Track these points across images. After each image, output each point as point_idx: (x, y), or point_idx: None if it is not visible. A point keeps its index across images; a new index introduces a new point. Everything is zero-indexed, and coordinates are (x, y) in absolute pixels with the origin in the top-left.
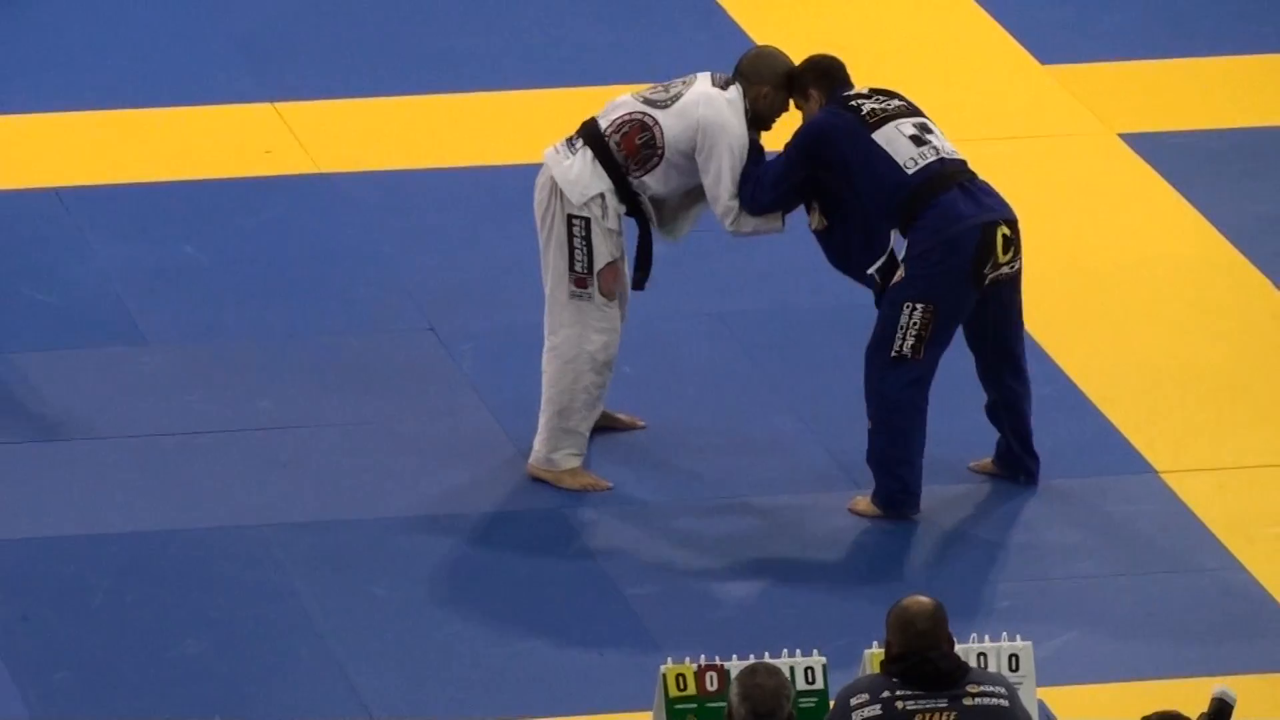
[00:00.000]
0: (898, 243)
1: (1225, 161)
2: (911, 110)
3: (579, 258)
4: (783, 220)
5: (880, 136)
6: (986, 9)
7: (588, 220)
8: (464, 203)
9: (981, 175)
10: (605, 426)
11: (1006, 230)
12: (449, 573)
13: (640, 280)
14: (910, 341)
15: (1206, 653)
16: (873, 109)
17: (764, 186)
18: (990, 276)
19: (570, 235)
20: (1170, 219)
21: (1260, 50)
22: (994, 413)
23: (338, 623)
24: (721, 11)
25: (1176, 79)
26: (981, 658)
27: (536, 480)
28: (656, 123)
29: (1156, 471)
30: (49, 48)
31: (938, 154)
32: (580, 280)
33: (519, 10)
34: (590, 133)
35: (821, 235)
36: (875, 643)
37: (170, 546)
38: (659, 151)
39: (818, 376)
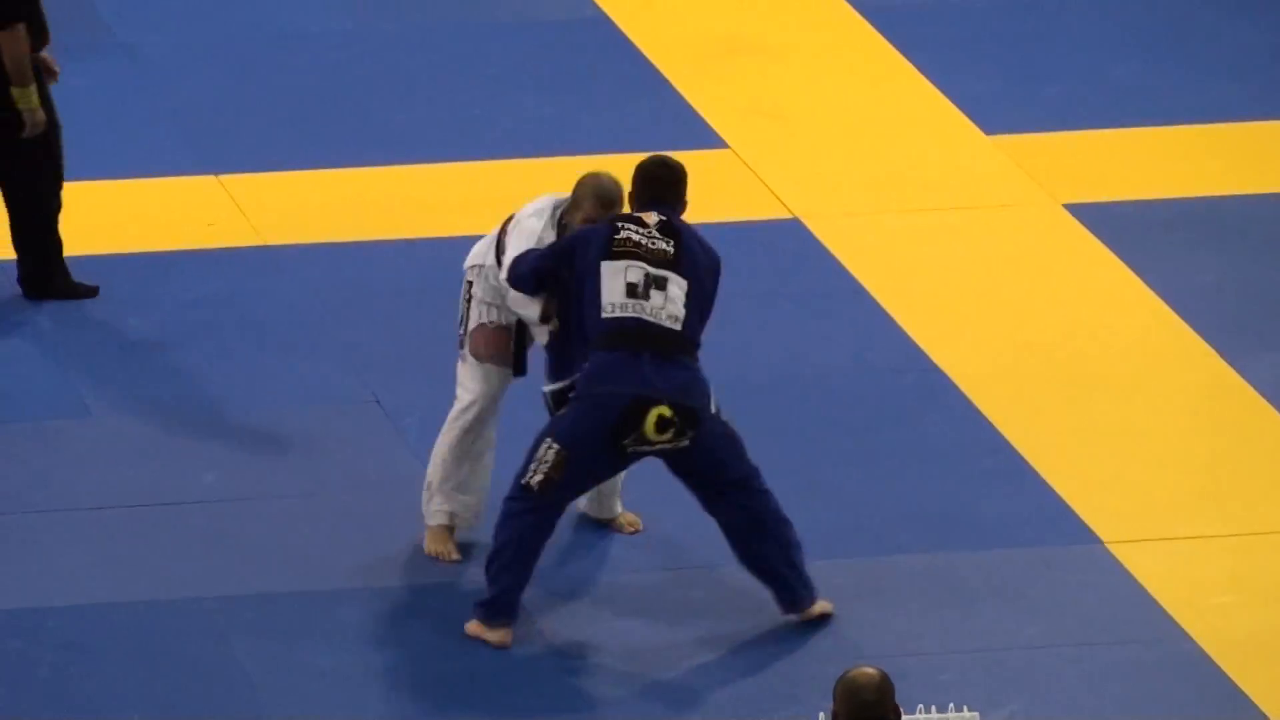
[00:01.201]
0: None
1: (1170, 231)
2: (665, 259)
3: (460, 315)
4: (541, 312)
5: (606, 268)
6: (931, 79)
7: (470, 284)
8: (408, 274)
9: (926, 246)
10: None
11: (666, 412)
12: (395, 645)
13: (518, 366)
14: (538, 477)
15: None
16: (628, 238)
17: (521, 264)
18: (638, 450)
19: (463, 294)
20: (1115, 289)
21: (1203, 120)
22: (744, 548)
23: (282, 696)
24: (666, 82)
25: (1120, 149)
26: None
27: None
28: (505, 228)
29: (1102, 542)
30: None
31: (642, 313)
32: (460, 339)
33: (463, 83)
34: (511, 215)
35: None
36: (822, 714)
37: (114, 620)
38: (494, 252)
39: (775, 448)
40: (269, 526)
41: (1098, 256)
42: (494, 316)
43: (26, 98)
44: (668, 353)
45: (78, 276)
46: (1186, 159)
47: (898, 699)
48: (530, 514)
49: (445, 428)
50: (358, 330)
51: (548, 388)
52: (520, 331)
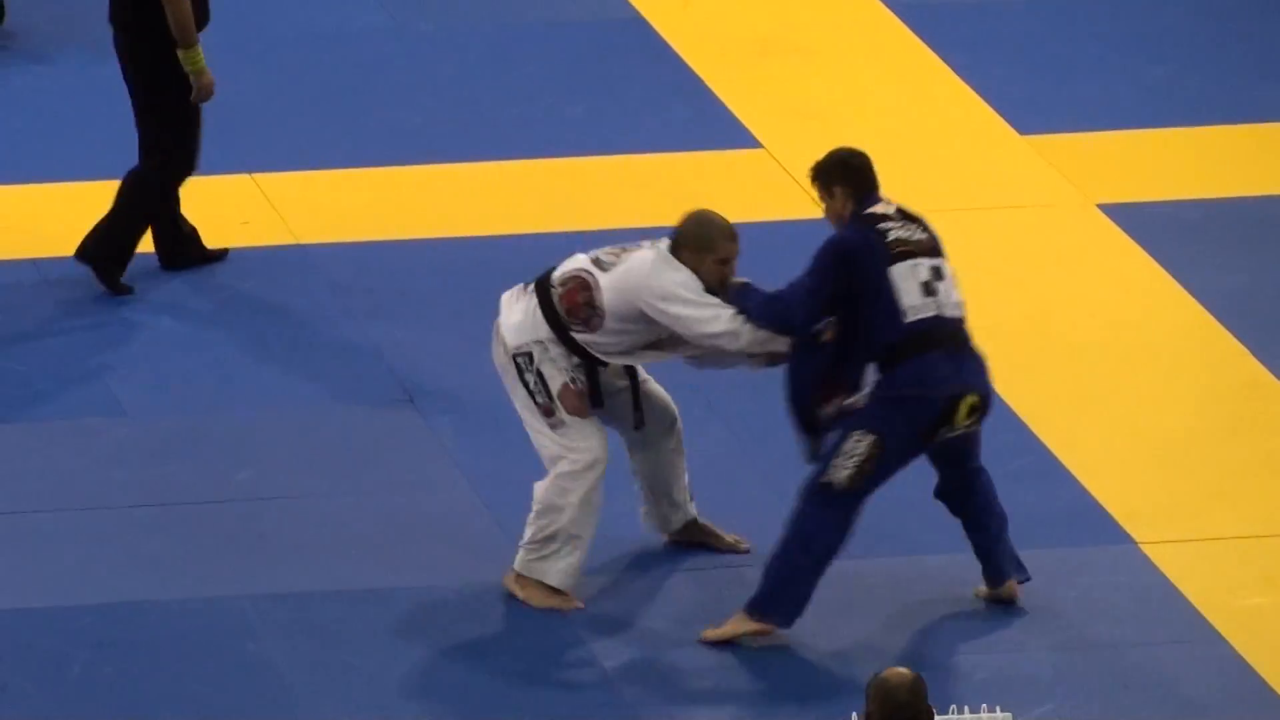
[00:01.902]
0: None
1: (1203, 231)
2: (932, 245)
3: (536, 390)
4: (789, 345)
5: (895, 272)
6: (965, 80)
7: (530, 354)
8: (441, 273)
9: (959, 245)
10: (702, 543)
11: (975, 401)
12: (427, 644)
13: (639, 420)
14: (846, 471)
15: None
16: (898, 237)
17: (794, 306)
18: (945, 437)
19: (521, 374)
20: (1149, 289)
21: (1238, 120)
22: (974, 524)
23: (316, 695)
24: (701, 83)
25: (1155, 149)
26: None
27: (511, 596)
28: (597, 285)
29: (1135, 543)
30: (30, 121)
31: (938, 309)
32: (547, 410)
33: (498, 83)
34: (540, 280)
35: (800, 355)
36: (855, 714)
37: (148, 618)
38: (599, 313)
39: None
40: (302, 525)
41: (1132, 256)
42: (568, 372)
43: (193, 59)
44: (964, 341)
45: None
46: (1221, 159)
47: (931, 700)
48: (833, 510)
49: (557, 493)
50: (391, 329)
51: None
52: (591, 371)
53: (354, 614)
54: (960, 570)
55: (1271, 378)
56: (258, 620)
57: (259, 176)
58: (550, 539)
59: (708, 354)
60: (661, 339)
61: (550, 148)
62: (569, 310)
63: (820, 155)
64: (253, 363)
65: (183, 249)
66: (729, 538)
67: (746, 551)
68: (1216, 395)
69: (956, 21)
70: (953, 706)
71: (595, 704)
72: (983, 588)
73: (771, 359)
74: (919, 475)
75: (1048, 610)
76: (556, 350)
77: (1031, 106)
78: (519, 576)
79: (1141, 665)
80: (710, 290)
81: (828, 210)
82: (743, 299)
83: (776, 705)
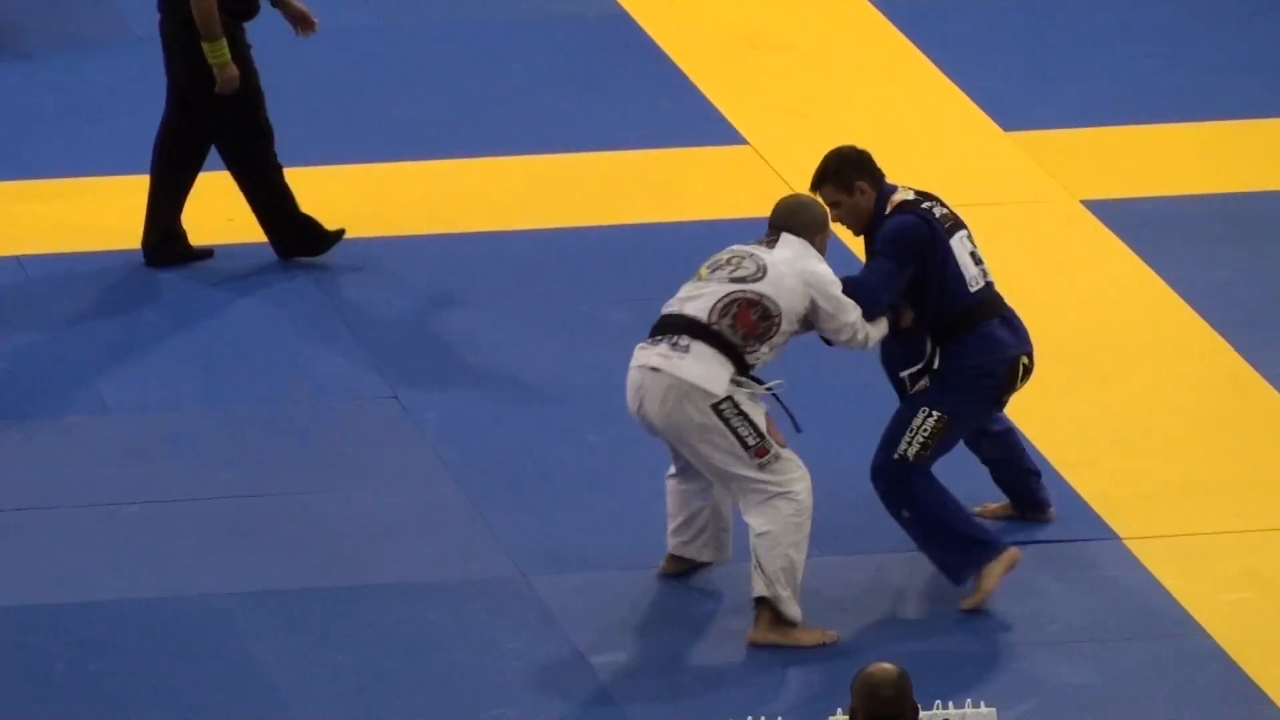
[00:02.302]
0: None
1: (1187, 227)
2: (959, 218)
3: (746, 434)
4: (903, 321)
5: (955, 247)
6: (950, 76)
7: (731, 397)
8: (426, 270)
9: None
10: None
11: (1027, 360)
12: (413, 641)
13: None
14: (915, 447)
15: (1169, 718)
16: (943, 214)
17: (877, 296)
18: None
19: (726, 422)
20: (1133, 285)
21: (1221, 117)
22: (1008, 479)
23: (302, 692)
24: (686, 79)
25: (1138, 145)
26: None
27: (771, 646)
28: (762, 295)
29: (1119, 538)
30: (9, 117)
31: (985, 277)
32: (760, 450)
33: (484, 79)
34: (693, 327)
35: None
36: (840, 710)
37: (132, 617)
38: (776, 320)
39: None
40: (288, 523)
41: (1115, 252)
42: (761, 405)
43: (215, 52)
44: (1005, 304)
45: (91, 273)
46: (1204, 155)
47: (915, 695)
48: (919, 477)
49: (793, 531)
50: (377, 326)
51: (906, 372)
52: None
53: (341, 611)
54: None
55: (1255, 373)
56: (244, 618)
57: None
58: (792, 577)
59: None
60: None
61: (536, 144)
62: (746, 334)
63: (807, 152)
64: (237, 360)
65: (169, 246)
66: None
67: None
68: (1200, 390)
69: (941, 18)
70: (937, 702)
71: (583, 703)
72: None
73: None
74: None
75: (1032, 606)
76: (743, 384)
77: (1016, 103)
78: (778, 626)
79: (1126, 659)
80: None
81: (845, 207)
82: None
83: (761, 701)
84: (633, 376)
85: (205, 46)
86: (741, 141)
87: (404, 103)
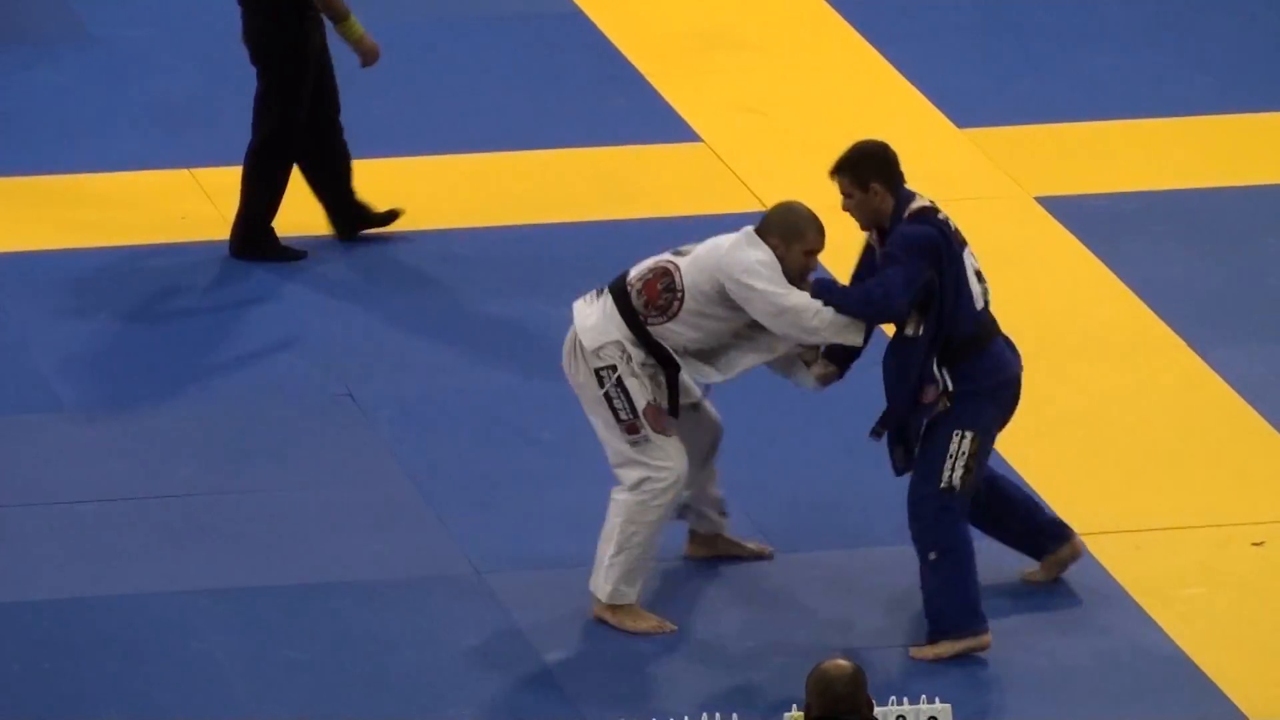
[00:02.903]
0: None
1: (1141, 223)
2: (963, 235)
3: (620, 406)
4: (864, 337)
5: (965, 259)
6: (904, 73)
7: (614, 367)
8: (381, 267)
9: None
10: (730, 555)
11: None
12: (368, 639)
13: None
14: (959, 471)
15: (1123, 713)
16: (955, 228)
17: (894, 293)
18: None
19: (603, 388)
20: (1086, 281)
21: (1175, 113)
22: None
23: (257, 690)
24: (641, 77)
25: (1092, 142)
26: None
27: (603, 622)
28: (678, 268)
29: (1075, 533)
30: None
31: (986, 296)
32: (631, 427)
33: (438, 77)
34: (615, 283)
35: (898, 351)
36: (795, 706)
37: (88, 615)
38: (679, 295)
39: (737, 445)
40: (243, 520)
41: (1069, 249)
42: (650, 390)
43: (350, 30)
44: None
45: (44, 272)
46: (1158, 152)
47: (870, 691)
48: (954, 511)
49: (639, 510)
50: (329, 323)
51: (928, 398)
52: (670, 379)
53: (295, 610)
54: (900, 562)
55: (1208, 370)
56: (198, 617)
57: (197, 171)
58: (629, 557)
59: (779, 358)
60: (738, 331)
61: (491, 142)
62: (648, 302)
63: (762, 150)
64: (191, 358)
65: (354, 215)
66: (752, 545)
67: (770, 557)
68: (1153, 387)
69: (895, 15)
70: (892, 698)
71: (538, 700)
72: (1035, 571)
73: (837, 371)
74: (862, 467)
75: (987, 601)
76: (637, 355)
77: (969, 100)
78: (610, 606)
79: (1080, 655)
80: (791, 280)
81: (856, 201)
82: (828, 291)
83: (716, 698)
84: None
85: (340, 29)
86: (696, 139)
87: (354, 102)
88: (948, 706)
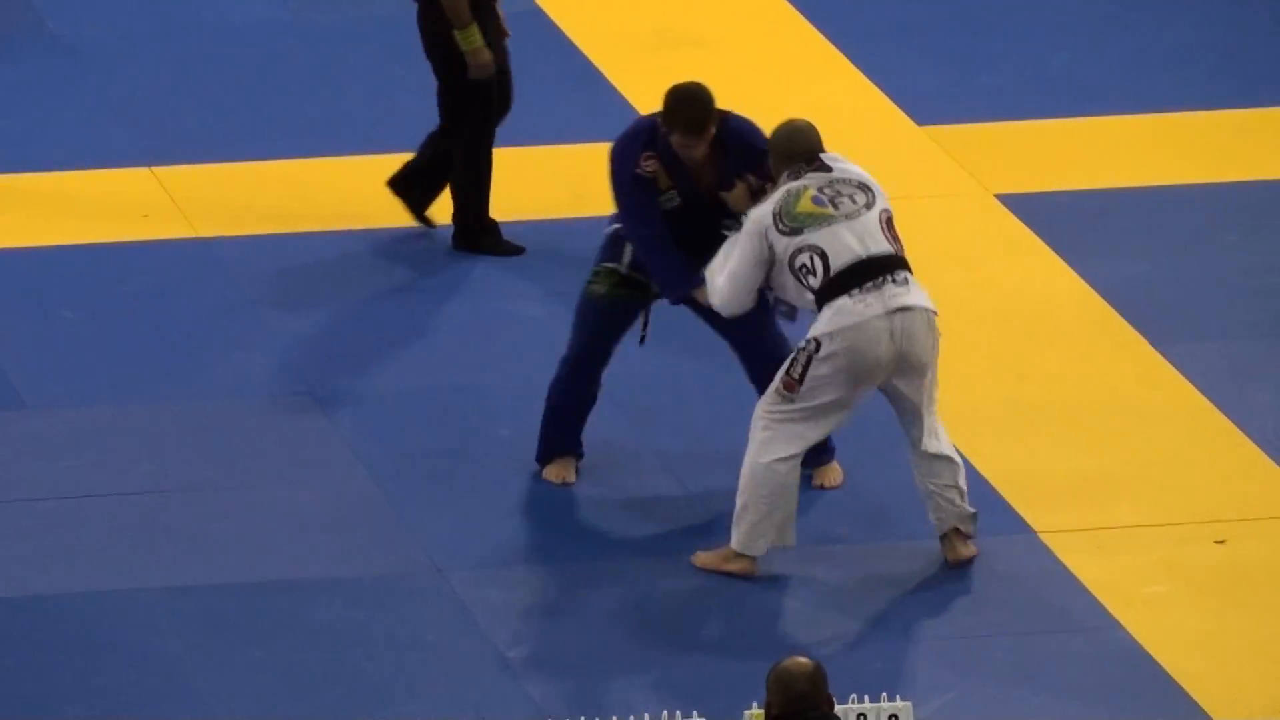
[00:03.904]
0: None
1: (1101, 221)
2: None
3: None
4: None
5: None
6: (863, 70)
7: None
8: (343, 266)
9: None
10: None
11: None
12: (329, 637)
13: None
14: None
15: (1085, 712)
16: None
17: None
18: None
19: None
20: (1047, 279)
21: (1135, 111)
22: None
23: (218, 687)
24: (599, 74)
25: (1052, 139)
26: (861, 718)
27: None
28: (889, 209)
29: (1035, 531)
30: None
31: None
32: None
33: (397, 74)
34: (892, 261)
35: None
36: (755, 704)
37: (48, 613)
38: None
39: (693, 440)
40: (205, 519)
41: (1029, 246)
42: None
43: (468, 38)
44: None
45: (4, 269)
46: (1119, 149)
47: (831, 689)
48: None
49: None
50: (291, 322)
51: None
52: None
53: (257, 607)
54: (860, 558)
55: (1169, 367)
56: (160, 614)
57: (158, 170)
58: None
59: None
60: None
61: None
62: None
63: None
64: (153, 356)
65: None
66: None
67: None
68: (1114, 385)
69: (853, 12)
70: (852, 696)
71: (500, 698)
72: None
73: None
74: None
75: (948, 599)
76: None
77: (929, 97)
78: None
79: (1042, 654)
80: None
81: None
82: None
83: (677, 696)
84: (879, 325)
85: (458, 34)
86: None
87: (315, 99)
88: (908, 705)
